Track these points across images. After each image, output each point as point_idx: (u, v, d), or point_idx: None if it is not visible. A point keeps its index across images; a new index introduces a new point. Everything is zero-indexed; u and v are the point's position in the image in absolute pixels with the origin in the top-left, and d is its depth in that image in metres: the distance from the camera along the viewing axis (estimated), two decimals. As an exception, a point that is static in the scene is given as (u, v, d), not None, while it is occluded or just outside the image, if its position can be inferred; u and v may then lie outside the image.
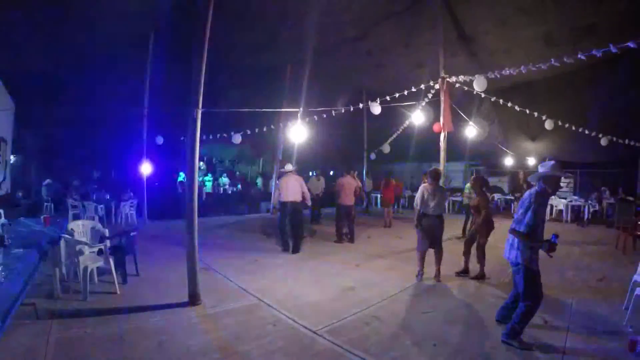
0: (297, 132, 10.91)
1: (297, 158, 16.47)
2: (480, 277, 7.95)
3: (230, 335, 5.07)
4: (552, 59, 8.72)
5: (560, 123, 12.79)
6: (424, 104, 12.87)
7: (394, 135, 16.39)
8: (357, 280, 7.81)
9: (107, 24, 11.82)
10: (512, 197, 20.68)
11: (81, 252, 6.47)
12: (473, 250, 8.17)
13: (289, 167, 10.85)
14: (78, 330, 5.00)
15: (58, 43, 12.37)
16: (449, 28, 12.93)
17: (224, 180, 25.61)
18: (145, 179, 15.26)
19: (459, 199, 19.29)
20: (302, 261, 9.48)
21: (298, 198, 10.42)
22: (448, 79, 11.84)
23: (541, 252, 4.89)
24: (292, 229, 10.50)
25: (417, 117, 13.34)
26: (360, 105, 11.20)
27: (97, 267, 6.83)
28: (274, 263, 9.20)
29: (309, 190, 11.05)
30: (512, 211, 18.30)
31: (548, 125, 12.73)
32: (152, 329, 5.18)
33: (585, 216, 16.66)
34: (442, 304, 6.53)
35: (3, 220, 6.60)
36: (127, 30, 12.75)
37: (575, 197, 18.66)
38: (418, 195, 7.95)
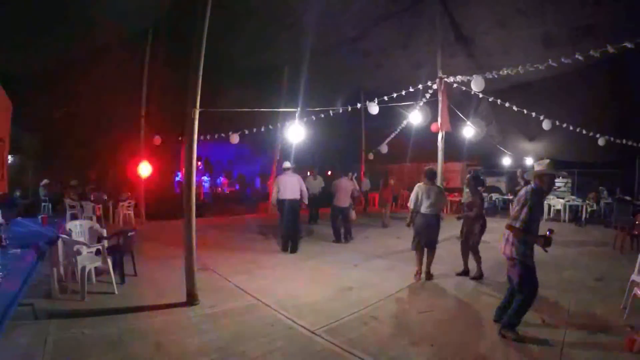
0: (295, 132, 10.91)
1: (295, 158, 16.47)
2: (479, 276, 7.97)
3: (228, 335, 5.06)
4: (550, 60, 8.74)
5: (557, 123, 12.80)
6: (421, 104, 12.88)
7: (392, 136, 16.40)
8: (355, 280, 7.81)
9: (105, 24, 11.80)
10: (511, 197, 20.68)
11: (79, 252, 6.45)
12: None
13: (287, 164, 10.86)
14: (76, 331, 4.99)
15: (56, 42, 12.34)
16: (447, 29, 12.95)
17: (222, 180, 25.65)
18: (142, 179, 15.24)
19: (456, 199, 19.32)
20: (300, 261, 9.48)
21: (297, 196, 10.42)
22: (446, 79, 11.85)
23: (537, 248, 4.99)
24: (290, 229, 10.50)
25: (415, 118, 13.35)
26: (358, 105, 11.21)
27: (95, 267, 6.82)
28: (272, 263, 9.20)
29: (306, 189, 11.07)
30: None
31: (546, 125, 12.73)
32: (150, 329, 5.18)
33: (583, 216, 16.67)
34: (440, 303, 6.54)
35: (0, 220, 6.59)
36: (125, 30, 12.75)
37: (573, 197, 18.68)
38: (412, 194, 7.99)
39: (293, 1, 11.80)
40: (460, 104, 14.85)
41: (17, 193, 17.11)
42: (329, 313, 5.90)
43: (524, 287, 5.05)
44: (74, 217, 12.96)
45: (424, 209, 7.79)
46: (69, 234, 6.95)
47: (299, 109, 11.11)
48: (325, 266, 8.99)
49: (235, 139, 12.75)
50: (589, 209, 17.00)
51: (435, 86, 12.05)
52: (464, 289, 7.37)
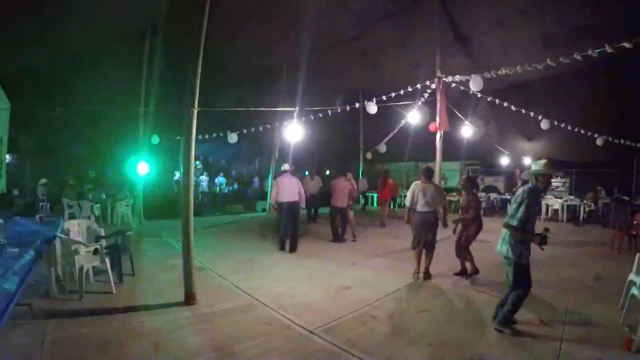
0: (293, 132, 10.91)
1: (294, 158, 16.46)
2: (473, 273, 7.99)
3: (226, 334, 5.07)
4: (548, 60, 8.76)
5: (556, 123, 12.83)
6: (420, 103, 12.89)
7: (390, 135, 16.42)
8: (353, 279, 7.81)
9: (103, 23, 11.80)
10: (509, 197, 20.67)
11: (77, 252, 6.45)
12: (471, 249, 8.20)
13: (286, 166, 10.86)
14: (74, 331, 4.99)
15: (54, 42, 12.34)
16: (445, 28, 12.96)
17: (220, 179, 25.62)
18: (141, 179, 15.23)
19: (455, 199, 19.34)
20: (298, 260, 9.47)
21: (295, 198, 10.41)
22: (444, 79, 11.86)
23: (534, 247, 5.09)
24: (289, 229, 10.49)
25: (414, 117, 13.36)
26: (357, 105, 11.21)
27: (93, 267, 6.80)
28: (270, 262, 9.19)
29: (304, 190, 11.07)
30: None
31: (544, 125, 12.76)
32: (148, 328, 5.18)
33: (581, 216, 16.66)
34: (438, 303, 6.54)
35: (-1, 219, 6.58)
36: (124, 30, 12.74)
37: (571, 197, 18.68)
38: (409, 192, 8.04)
39: (292, 1, 11.80)
40: (459, 103, 14.86)
41: (15, 192, 17.10)
42: (327, 312, 5.90)
43: (518, 285, 5.16)
44: (72, 217, 12.95)
45: (419, 207, 7.82)
46: (67, 233, 6.94)
47: (297, 108, 11.11)
48: (323, 265, 8.98)
49: (233, 138, 12.75)
50: (587, 209, 17.00)
51: (433, 86, 12.07)
52: (462, 289, 7.37)
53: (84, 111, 14.75)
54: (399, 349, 4.77)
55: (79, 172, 19.73)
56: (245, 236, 12.68)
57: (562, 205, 17.39)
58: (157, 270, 8.07)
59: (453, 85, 11.89)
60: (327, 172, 25.97)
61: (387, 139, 16.71)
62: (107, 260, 6.67)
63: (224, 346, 4.73)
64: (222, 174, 26.25)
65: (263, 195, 21.09)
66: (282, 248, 10.43)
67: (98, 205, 14.53)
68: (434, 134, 12.37)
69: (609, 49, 7.65)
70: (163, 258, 9.07)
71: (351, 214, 12.05)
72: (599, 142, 13.68)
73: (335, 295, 6.82)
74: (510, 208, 5.27)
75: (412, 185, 8.04)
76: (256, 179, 26.99)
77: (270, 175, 18.59)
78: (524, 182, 5.64)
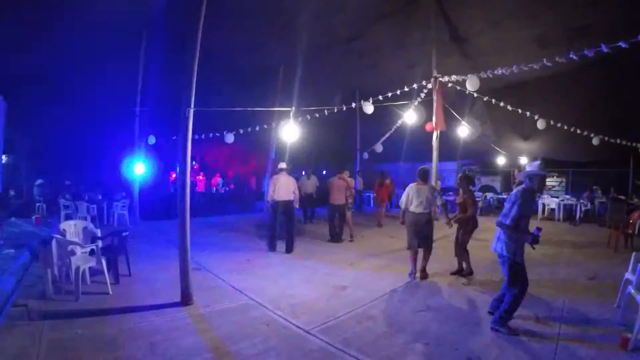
0: (290, 132, 10.90)
1: (290, 157, 16.45)
2: (468, 273, 8.03)
3: (223, 335, 5.06)
4: (545, 59, 8.77)
5: (552, 123, 12.85)
6: (416, 103, 12.92)
7: (387, 135, 16.42)
8: (350, 279, 7.82)
9: (99, 23, 11.78)
10: (505, 197, 20.72)
11: (73, 253, 6.44)
12: (468, 248, 8.23)
13: (283, 165, 10.86)
14: (70, 331, 4.98)
15: (50, 42, 12.32)
16: (442, 28, 12.98)
17: (217, 179, 25.62)
18: (137, 179, 15.21)
19: (451, 198, 19.36)
20: (294, 260, 9.48)
21: (290, 197, 10.42)
22: (441, 79, 11.88)
23: (527, 246, 5.19)
24: (285, 229, 10.50)
25: (410, 117, 13.38)
26: (353, 105, 11.21)
27: (89, 268, 6.80)
28: (267, 262, 9.21)
29: (299, 189, 11.08)
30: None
31: (540, 125, 12.78)
32: (145, 329, 5.17)
33: (577, 215, 16.73)
34: (434, 302, 6.54)
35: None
36: (119, 29, 12.71)
37: (568, 196, 18.77)
38: (404, 194, 8.08)
39: (288, 1, 11.79)
40: (455, 103, 14.88)
41: (12, 193, 17.06)
42: (323, 312, 5.90)
43: (514, 284, 5.22)
44: (68, 217, 12.93)
45: (413, 207, 7.87)
46: (63, 234, 6.93)
47: (293, 108, 11.10)
48: (320, 265, 8.99)
49: (230, 138, 12.74)
50: (583, 208, 17.06)
51: (430, 85, 12.08)
52: (458, 288, 7.38)
53: (80, 111, 14.74)
54: (395, 349, 4.77)
55: (75, 172, 19.70)
56: (241, 236, 12.69)
57: (559, 205, 17.47)
58: (154, 271, 8.06)
59: (449, 85, 11.91)
60: (324, 172, 25.99)
61: (383, 138, 16.71)
62: (104, 261, 6.67)
63: (221, 346, 4.73)
64: (218, 174, 26.26)
65: (260, 196, 21.09)
66: (272, 249, 10.43)
67: (94, 205, 14.51)
68: (431, 133, 12.39)
69: (604, 49, 7.66)
70: (159, 258, 9.06)
71: (349, 214, 12.05)
72: (595, 141, 13.71)
73: (332, 295, 6.82)
74: (505, 207, 5.38)
75: (408, 188, 8.09)
76: (253, 179, 26.99)
77: (267, 176, 18.60)
78: (519, 183, 5.71)
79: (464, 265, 8.16)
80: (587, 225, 15.80)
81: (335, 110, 11.05)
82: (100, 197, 15.54)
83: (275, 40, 14.06)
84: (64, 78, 14.37)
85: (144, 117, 15.02)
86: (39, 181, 16.35)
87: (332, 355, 4.61)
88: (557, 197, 18.39)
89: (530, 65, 9.24)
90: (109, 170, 20.48)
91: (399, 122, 14.85)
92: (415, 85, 11.98)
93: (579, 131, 13.38)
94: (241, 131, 11.94)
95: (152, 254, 9.64)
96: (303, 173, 16.40)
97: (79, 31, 12.00)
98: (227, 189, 25.85)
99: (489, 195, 21.41)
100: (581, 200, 17.32)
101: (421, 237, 7.85)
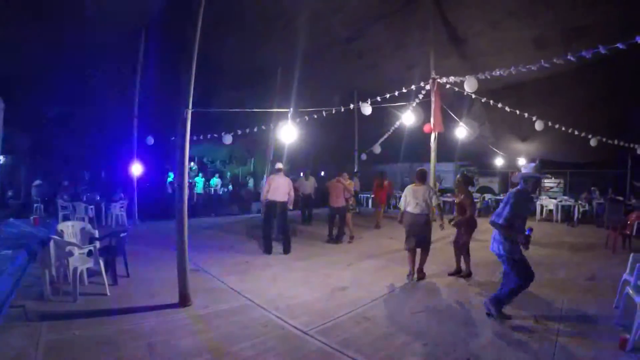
0: (288, 133, 10.90)
1: (289, 158, 16.46)
2: (467, 275, 8.05)
3: (221, 336, 5.06)
4: (542, 60, 8.78)
5: (550, 124, 12.88)
6: (414, 104, 12.92)
7: (385, 136, 16.44)
8: (348, 280, 7.82)
9: (98, 23, 11.77)
10: (503, 198, 20.71)
11: (71, 254, 6.42)
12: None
13: (279, 165, 10.87)
14: (68, 332, 4.97)
15: (48, 42, 12.30)
16: (440, 29, 12.98)
17: (215, 180, 25.61)
18: (135, 180, 15.20)
19: (450, 199, 19.39)
20: (293, 261, 9.47)
21: (285, 199, 10.42)
22: (439, 80, 11.89)
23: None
24: (281, 230, 10.50)
25: (408, 118, 13.40)
26: (351, 106, 11.22)
27: (87, 269, 6.78)
28: (265, 263, 9.20)
29: (297, 189, 11.09)
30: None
31: (538, 126, 12.81)
32: (142, 330, 5.16)
33: (575, 216, 16.75)
34: (432, 303, 6.55)
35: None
36: (118, 30, 12.71)
37: (565, 197, 18.81)
38: (402, 195, 8.16)
39: (286, 2, 11.79)
40: (453, 104, 14.89)
41: (10, 193, 17.05)
42: (322, 313, 5.90)
43: (519, 277, 5.39)
44: (66, 218, 12.91)
45: (410, 208, 7.90)
46: (61, 235, 6.92)
47: (291, 109, 11.11)
48: (318, 266, 8.99)
49: (228, 139, 12.74)
50: (581, 209, 17.09)
51: (428, 87, 12.09)
52: (456, 289, 7.39)
53: (78, 112, 14.73)
54: (394, 350, 4.77)
55: (74, 173, 19.69)
56: (240, 237, 12.68)
57: (557, 206, 17.50)
58: (152, 272, 8.05)
59: (447, 86, 11.92)
60: (322, 173, 25.98)
61: (381, 140, 16.74)
62: (101, 262, 6.65)
63: (219, 347, 4.72)
64: (217, 175, 26.25)
65: (258, 196, 21.08)
66: (268, 251, 10.35)
67: (92, 206, 14.49)
68: (429, 135, 12.40)
69: (602, 50, 7.68)
70: (157, 259, 9.06)
71: (349, 215, 12.07)
72: (593, 142, 13.76)
73: (331, 296, 6.82)
74: (499, 207, 5.51)
75: (406, 189, 8.14)
76: (251, 180, 26.99)
77: (265, 176, 18.60)
78: (515, 185, 5.76)
79: (464, 266, 8.18)
80: (585, 226, 15.83)
81: (334, 112, 11.06)
82: (98, 198, 15.51)
83: (274, 41, 14.04)
84: (63, 78, 14.34)
85: (142, 118, 15.00)
86: (37, 182, 16.34)
87: (330, 356, 4.60)
88: (555, 198, 18.42)
89: (528, 66, 9.26)
90: (107, 170, 20.49)
91: (397, 123, 14.88)
92: (413, 87, 12.00)
93: (576, 132, 13.43)
94: (239, 132, 11.94)
95: (150, 255, 9.64)
96: (301, 174, 16.40)
97: (78, 31, 11.99)
98: (225, 189, 25.81)
99: (487, 196, 21.44)
100: (579, 201, 17.36)
101: (418, 238, 7.84)
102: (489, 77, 10.24)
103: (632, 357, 4.55)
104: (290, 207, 10.76)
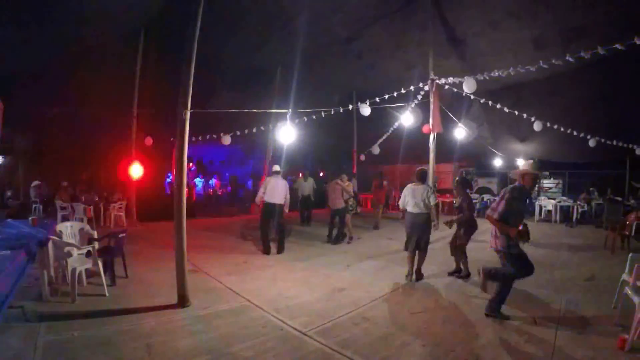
0: (286, 134, 10.90)
1: (287, 159, 16.47)
2: (466, 275, 8.06)
3: (220, 337, 5.06)
4: (541, 61, 8.79)
5: (549, 125, 12.89)
6: (413, 105, 12.93)
7: (384, 137, 16.45)
8: (347, 281, 7.83)
9: (97, 23, 11.77)
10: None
11: (70, 254, 6.42)
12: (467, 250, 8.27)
13: (277, 168, 10.91)
14: (67, 333, 4.96)
15: (48, 42, 12.29)
16: (439, 30, 12.98)
17: (214, 181, 25.63)
18: (134, 180, 15.19)
19: (448, 199, 19.42)
20: (292, 262, 9.47)
21: (282, 201, 10.44)
22: (437, 81, 11.89)
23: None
24: (277, 230, 10.51)
25: (407, 119, 13.39)
26: (350, 107, 11.22)
27: (86, 269, 6.78)
28: (264, 264, 9.20)
29: (296, 191, 11.09)
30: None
31: (537, 126, 12.81)
32: (141, 331, 5.16)
33: (574, 216, 16.76)
34: (431, 304, 6.55)
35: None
36: (117, 31, 12.71)
37: (564, 198, 18.82)
38: (403, 194, 8.21)
39: (286, 2, 11.80)
40: (452, 105, 14.89)
41: (8, 194, 17.03)
42: (320, 314, 5.90)
43: (514, 268, 5.52)
44: (65, 219, 12.90)
45: (409, 208, 7.95)
46: (60, 235, 6.91)
47: (290, 110, 11.10)
48: (317, 267, 8.99)
49: (226, 140, 12.73)
50: (579, 210, 17.11)
51: (427, 87, 12.09)
52: (455, 289, 7.39)
53: (78, 112, 14.72)
54: (392, 351, 4.77)
55: (72, 173, 19.67)
56: (238, 238, 12.69)
57: (556, 206, 17.51)
58: (150, 273, 8.06)
59: (446, 87, 11.93)
60: (321, 174, 25.99)
61: (380, 140, 16.75)
62: (100, 263, 6.65)
63: (218, 348, 4.72)
64: (216, 176, 26.27)
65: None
66: (267, 252, 10.37)
67: (91, 207, 14.47)
68: (428, 135, 12.40)
69: (601, 51, 7.69)
70: (156, 260, 9.07)
71: (348, 216, 12.07)
72: (592, 143, 13.75)
73: (329, 297, 6.82)
74: (495, 202, 5.63)
75: (405, 188, 8.17)
76: (250, 181, 27.01)
77: (263, 177, 18.61)
78: (513, 181, 5.79)
79: (462, 266, 8.19)
80: (584, 227, 15.86)
81: (332, 112, 11.05)
82: (97, 199, 15.50)
83: (273, 41, 14.06)
84: (62, 79, 14.33)
85: (141, 119, 15.00)
86: (35, 182, 16.32)
87: (329, 357, 4.60)
88: (554, 199, 18.42)
89: (526, 67, 9.27)
90: (106, 171, 20.45)
91: (396, 124, 14.88)
92: (412, 87, 11.99)
93: (575, 133, 13.43)
94: (238, 133, 11.94)
95: (148, 256, 9.65)
96: (300, 175, 16.41)
97: (77, 31, 11.98)
98: (224, 190, 25.84)
99: (486, 196, 21.41)
100: (578, 202, 17.37)
101: (417, 237, 7.87)
102: (487, 77, 10.25)
103: (631, 358, 4.55)
104: (286, 210, 10.77)
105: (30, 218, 7.61)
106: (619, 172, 19.36)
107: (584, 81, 13.89)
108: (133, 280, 7.54)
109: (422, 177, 8.06)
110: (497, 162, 21.16)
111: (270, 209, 10.37)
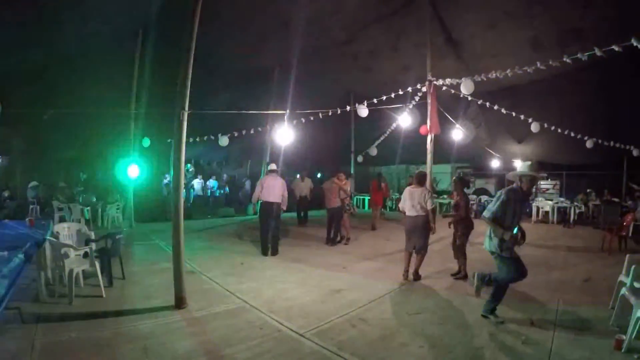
0: (284, 134, 10.91)
1: (285, 160, 16.46)
2: (464, 276, 8.07)
3: (217, 338, 5.05)
4: (538, 63, 8.81)
5: (546, 126, 12.92)
6: (411, 106, 12.93)
7: (382, 138, 16.46)
8: (344, 282, 7.82)
9: (94, 24, 11.75)
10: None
11: (67, 255, 6.42)
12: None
13: (273, 166, 10.88)
14: (64, 335, 4.95)
15: (45, 43, 12.27)
16: (436, 31, 12.99)
17: (212, 182, 25.59)
18: (131, 181, 15.17)
19: (446, 201, 19.44)
20: (289, 263, 9.46)
21: (278, 200, 10.41)
22: (435, 82, 11.90)
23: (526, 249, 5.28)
24: (272, 231, 10.48)
25: (404, 120, 13.40)
26: (348, 108, 11.23)
27: (83, 271, 6.76)
28: (261, 265, 9.20)
29: (293, 191, 11.07)
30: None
31: (534, 127, 12.84)
32: (138, 332, 5.15)
33: (571, 218, 16.80)
34: (429, 305, 6.56)
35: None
36: (115, 31, 12.70)
37: (562, 199, 18.83)
38: (402, 196, 8.33)
39: (283, 3, 11.80)
40: (449, 106, 14.90)
41: (5, 194, 16.99)
42: (318, 315, 5.89)
43: (506, 273, 5.47)
44: (62, 220, 12.88)
45: (408, 210, 8.03)
46: (57, 236, 6.90)
47: (287, 111, 11.11)
48: (314, 268, 8.97)
49: (224, 141, 12.73)
50: (577, 211, 17.13)
51: (424, 89, 12.10)
52: (453, 290, 7.40)
53: (75, 113, 14.70)
54: (390, 352, 4.77)
55: (70, 174, 19.66)
56: (236, 239, 12.68)
57: (553, 207, 17.54)
58: (148, 274, 8.04)
59: (444, 88, 11.94)
60: (319, 175, 25.98)
61: (378, 142, 16.77)
62: (97, 264, 6.64)
63: (215, 350, 4.72)
64: (213, 177, 26.23)
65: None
66: (265, 253, 10.34)
67: (88, 208, 14.45)
68: (425, 136, 12.40)
69: (598, 52, 7.71)
70: (153, 261, 9.05)
71: (346, 216, 12.06)
72: (589, 144, 13.79)
73: (327, 298, 6.82)
74: (491, 203, 5.58)
75: (404, 191, 8.29)
76: (247, 182, 26.97)
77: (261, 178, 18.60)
78: (510, 183, 5.81)
79: (461, 267, 8.21)
80: (581, 228, 15.88)
81: (330, 114, 11.05)
82: (94, 200, 15.48)
83: (271, 42, 14.05)
84: (59, 79, 14.31)
85: (138, 119, 14.98)
86: (32, 183, 16.29)
87: (326, 358, 4.60)
88: (551, 200, 18.44)
89: (524, 68, 9.29)
90: (104, 172, 20.44)
91: (394, 125, 14.90)
92: (409, 89, 12.00)
93: (572, 134, 13.46)
94: (235, 134, 11.95)
95: (146, 257, 9.62)
96: (297, 176, 16.40)
97: (74, 32, 11.97)
98: (222, 191, 25.79)
99: (484, 197, 21.43)
100: (575, 203, 17.40)
101: (415, 239, 7.91)
102: (485, 79, 10.26)
103: (628, 358, 4.56)
104: (284, 208, 10.77)
105: (27, 219, 7.61)
106: (616, 173, 19.40)
107: (582, 82, 13.90)
108: (130, 281, 7.52)
109: (420, 180, 8.09)
110: (495, 164, 21.18)
111: (267, 208, 10.34)
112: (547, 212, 17.83)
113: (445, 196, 20.10)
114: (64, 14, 10.87)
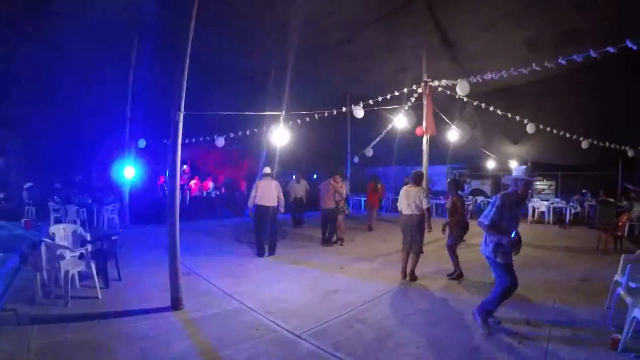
0: (280, 136, 10.90)
1: (281, 161, 16.45)
2: (458, 276, 8.12)
3: (213, 339, 5.05)
4: (534, 64, 8.83)
5: (541, 127, 12.94)
6: (407, 107, 12.94)
7: (377, 139, 16.46)
8: (340, 283, 7.82)
9: (89, 26, 11.74)
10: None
11: (62, 257, 6.40)
12: (460, 252, 8.31)
13: (267, 170, 10.89)
14: (60, 336, 4.95)
15: (41, 46, 12.26)
16: (432, 33, 13.00)
17: (208, 183, 25.56)
18: (127, 183, 15.15)
19: (441, 202, 19.45)
20: (285, 265, 9.45)
21: (274, 203, 10.43)
22: (431, 83, 11.90)
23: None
24: (270, 232, 10.50)
25: (400, 121, 13.41)
26: (344, 109, 11.22)
27: (79, 272, 6.75)
28: (257, 267, 9.20)
29: (289, 193, 11.07)
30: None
31: (530, 128, 12.86)
32: (134, 334, 5.15)
33: (567, 218, 16.82)
34: (425, 306, 6.56)
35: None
36: (111, 33, 12.67)
37: (557, 200, 18.87)
38: (399, 196, 8.37)
39: (280, 4, 11.79)
40: (445, 107, 14.91)
41: (1, 196, 16.95)
42: (314, 316, 5.90)
43: (500, 282, 5.35)
44: (58, 221, 12.85)
45: (403, 209, 8.10)
46: (53, 237, 6.89)
47: (283, 112, 11.11)
48: (310, 269, 8.98)
49: (220, 142, 12.72)
50: (572, 211, 17.16)
51: (420, 90, 12.11)
52: (449, 291, 7.40)
53: (71, 114, 14.68)
54: (386, 353, 4.78)
55: (65, 175, 19.60)
56: (232, 241, 12.67)
57: (549, 208, 17.55)
58: (144, 275, 8.04)
59: (439, 89, 11.94)
60: (315, 176, 25.96)
61: (374, 143, 16.76)
62: (93, 265, 6.63)
63: (211, 351, 4.72)
64: (209, 178, 26.19)
65: (250, 200, 21.06)
66: (261, 254, 10.36)
67: (84, 209, 14.41)
68: (421, 137, 12.40)
69: (593, 53, 7.73)
70: (149, 263, 9.03)
71: (340, 217, 12.07)
72: (585, 145, 13.82)
73: (323, 300, 6.83)
74: (487, 209, 5.51)
75: (401, 191, 8.33)
76: (244, 183, 26.93)
77: (257, 179, 18.58)
78: (507, 187, 5.81)
79: (453, 267, 8.23)
80: (577, 228, 15.89)
81: (326, 115, 11.05)
82: (90, 201, 15.45)
83: (267, 43, 14.05)
84: (55, 81, 14.29)
85: (134, 120, 14.97)
86: (28, 184, 16.24)
87: (322, 359, 4.61)
88: (547, 201, 18.48)
89: (519, 69, 9.30)
90: (99, 173, 20.40)
91: (390, 126, 14.90)
92: (405, 90, 12.00)
93: (568, 135, 13.50)
94: (232, 135, 11.94)
95: (142, 258, 9.61)
96: (293, 177, 16.39)
97: (70, 34, 11.95)
98: (218, 193, 25.75)
99: (479, 199, 21.46)
100: (571, 203, 17.43)
101: (410, 238, 7.95)
102: (480, 80, 10.27)
103: (624, 358, 4.57)
104: (282, 210, 10.78)
105: (23, 220, 7.62)
106: (611, 174, 19.44)
107: (577, 83, 13.94)
108: (126, 282, 7.51)
109: (417, 180, 8.13)
110: (490, 165, 21.23)
111: (263, 212, 10.34)
112: (542, 213, 17.86)
113: (441, 197, 20.09)
114: (60, 16, 10.86)
